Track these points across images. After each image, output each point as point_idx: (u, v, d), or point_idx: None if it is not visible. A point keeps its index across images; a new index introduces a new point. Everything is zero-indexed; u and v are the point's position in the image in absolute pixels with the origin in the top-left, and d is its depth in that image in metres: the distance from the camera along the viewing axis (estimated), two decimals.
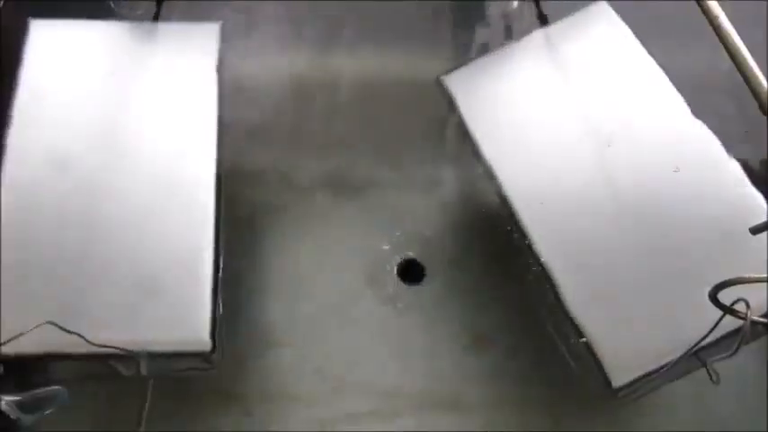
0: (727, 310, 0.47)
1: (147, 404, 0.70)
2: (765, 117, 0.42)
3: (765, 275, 0.42)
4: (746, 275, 0.43)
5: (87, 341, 0.56)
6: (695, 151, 0.68)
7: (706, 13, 0.44)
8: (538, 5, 0.79)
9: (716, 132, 0.70)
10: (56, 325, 0.55)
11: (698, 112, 0.71)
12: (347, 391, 0.79)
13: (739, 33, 0.49)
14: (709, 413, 0.77)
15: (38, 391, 0.50)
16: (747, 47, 0.47)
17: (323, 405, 0.78)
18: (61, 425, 0.66)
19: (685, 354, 0.57)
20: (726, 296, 0.49)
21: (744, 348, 0.55)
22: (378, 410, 0.78)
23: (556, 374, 0.76)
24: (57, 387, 0.51)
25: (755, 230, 0.44)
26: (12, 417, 0.49)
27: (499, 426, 0.77)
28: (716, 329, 0.55)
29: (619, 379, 0.59)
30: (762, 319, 0.48)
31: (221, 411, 0.77)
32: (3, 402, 0.47)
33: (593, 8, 0.77)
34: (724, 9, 0.48)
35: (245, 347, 0.80)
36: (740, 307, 0.48)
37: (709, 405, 0.77)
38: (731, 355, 0.54)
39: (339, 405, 0.78)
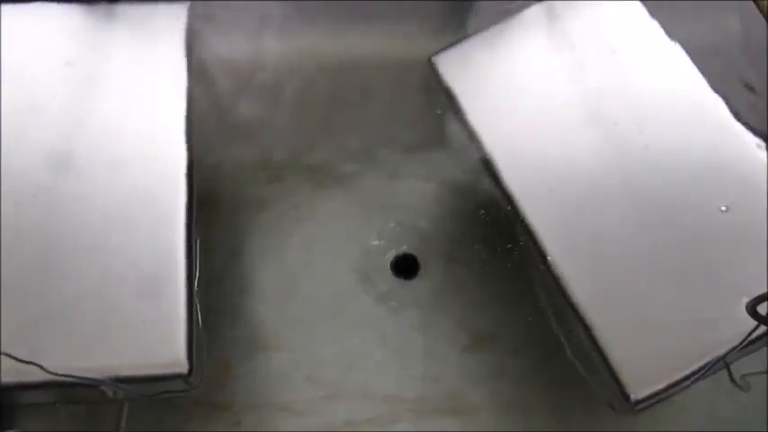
0: (765, 321, 0.42)
1: (122, 424, 0.65)
2: None
3: None
4: None
5: (46, 371, 0.50)
6: (715, 133, 0.63)
7: None
8: None
9: (736, 105, 0.64)
10: (9, 356, 0.49)
11: (717, 85, 0.65)
12: (342, 397, 0.74)
13: None
14: (719, 415, 0.73)
15: None
16: None
17: (316, 413, 0.74)
18: None
19: (713, 362, 0.52)
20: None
21: None
22: (375, 417, 0.74)
23: (561, 375, 0.72)
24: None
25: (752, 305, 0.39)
26: None
27: (502, 430, 0.73)
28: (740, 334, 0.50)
29: (638, 392, 0.54)
30: None
31: (207, 422, 0.73)
32: None
33: None
34: None
35: (230, 354, 0.76)
36: None
37: (716, 406, 0.73)
38: None
39: (334, 413, 0.74)
